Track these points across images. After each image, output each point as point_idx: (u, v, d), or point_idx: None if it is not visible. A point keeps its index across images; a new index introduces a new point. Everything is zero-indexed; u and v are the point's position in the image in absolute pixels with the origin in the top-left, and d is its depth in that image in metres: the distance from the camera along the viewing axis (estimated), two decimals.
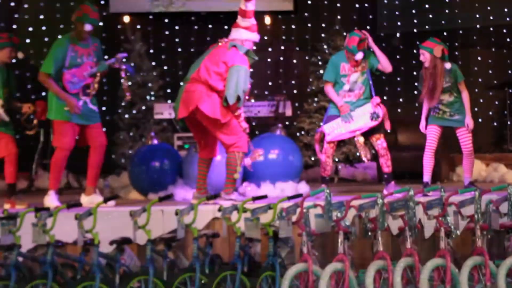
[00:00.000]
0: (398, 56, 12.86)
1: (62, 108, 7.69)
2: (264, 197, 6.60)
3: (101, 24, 11.88)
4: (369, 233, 6.11)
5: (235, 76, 7.50)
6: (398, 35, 13.00)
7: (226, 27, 11.62)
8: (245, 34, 7.77)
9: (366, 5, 13.03)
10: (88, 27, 7.78)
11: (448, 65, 8.11)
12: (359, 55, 8.15)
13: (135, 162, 8.86)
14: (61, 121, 7.72)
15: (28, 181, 10.71)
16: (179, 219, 6.20)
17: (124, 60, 7.92)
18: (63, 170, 8.04)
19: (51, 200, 7.67)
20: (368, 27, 12.34)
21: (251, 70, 7.79)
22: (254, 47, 7.84)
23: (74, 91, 7.75)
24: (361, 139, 8.30)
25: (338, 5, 13.04)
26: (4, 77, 8.01)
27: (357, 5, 13.05)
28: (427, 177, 8.19)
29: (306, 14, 13.03)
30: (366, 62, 8.30)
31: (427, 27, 12.83)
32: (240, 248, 6.31)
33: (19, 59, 8.47)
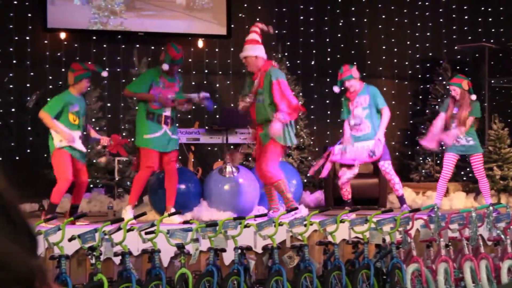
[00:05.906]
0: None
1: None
2: (265, 215, 7.54)
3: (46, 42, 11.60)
4: None
5: None
6: None
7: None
8: None
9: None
10: (165, 66, 8.11)
11: (473, 97, 8.84)
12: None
13: (155, 185, 8.79)
14: (146, 148, 8.08)
15: None
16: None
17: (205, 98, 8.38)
18: (143, 189, 8.27)
19: (127, 214, 7.81)
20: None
21: None
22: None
23: (155, 107, 8.13)
24: (356, 170, 8.95)
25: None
26: (83, 107, 8.10)
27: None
28: (438, 200, 9.08)
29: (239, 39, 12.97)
30: (367, 97, 8.89)
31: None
32: None
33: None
